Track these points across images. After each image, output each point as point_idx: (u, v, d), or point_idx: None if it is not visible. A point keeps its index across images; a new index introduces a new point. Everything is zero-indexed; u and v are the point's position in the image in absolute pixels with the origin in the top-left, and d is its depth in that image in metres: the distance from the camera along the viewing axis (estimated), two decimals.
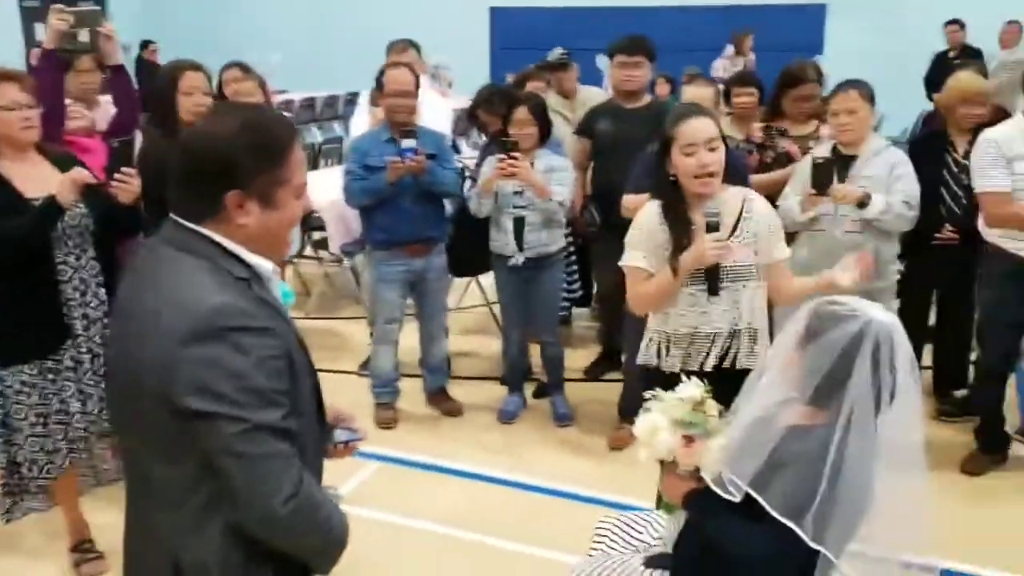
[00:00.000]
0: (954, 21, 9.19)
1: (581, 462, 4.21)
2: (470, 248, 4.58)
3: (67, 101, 3.85)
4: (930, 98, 9.13)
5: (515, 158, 4.01)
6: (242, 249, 1.59)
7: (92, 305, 3.11)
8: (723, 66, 9.46)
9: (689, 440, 2.14)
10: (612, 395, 4.55)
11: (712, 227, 2.76)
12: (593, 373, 5.11)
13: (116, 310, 1.70)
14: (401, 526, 3.56)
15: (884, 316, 2.01)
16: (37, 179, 2.97)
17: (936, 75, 8.74)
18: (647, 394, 2.28)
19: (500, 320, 4.79)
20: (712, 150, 2.77)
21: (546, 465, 4.18)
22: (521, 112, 4.19)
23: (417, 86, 4.29)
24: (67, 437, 3.12)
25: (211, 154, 1.55)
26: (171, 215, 1.62)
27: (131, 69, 5.28)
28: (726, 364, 2.84)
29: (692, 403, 2.16)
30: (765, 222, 2.89)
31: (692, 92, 3.88)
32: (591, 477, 4.03)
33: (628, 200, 3.97)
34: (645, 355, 3.00)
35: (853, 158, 3.86)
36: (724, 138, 2.87)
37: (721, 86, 4.86)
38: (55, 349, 3.04)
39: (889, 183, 3.83)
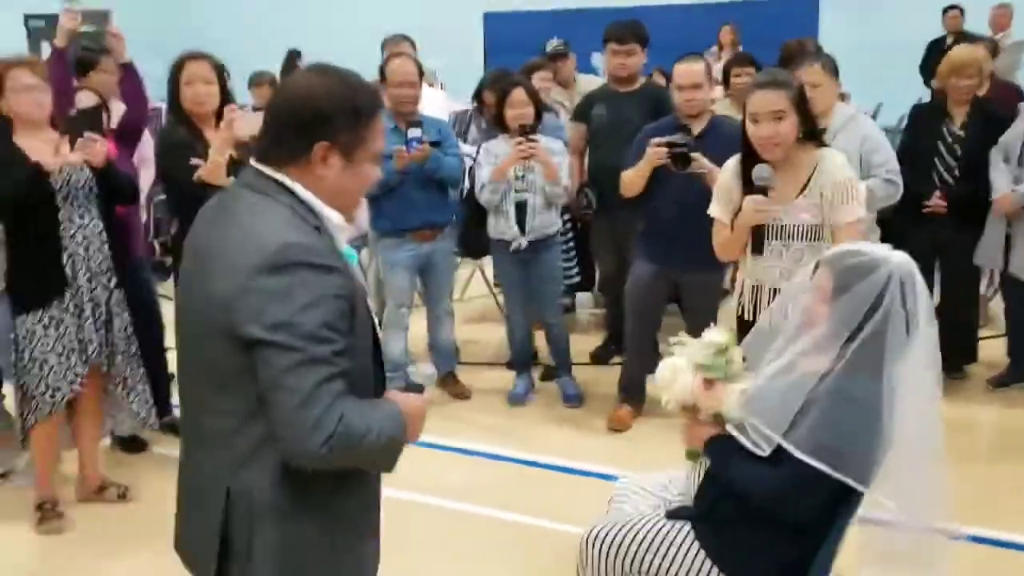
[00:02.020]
0: (953, 7, 9.24)
1: (591, 440, 4.23)
2: (480, 231, 4.61)
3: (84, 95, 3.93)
4: (928, 85, 9.16)
5: (534, 140, 4.05)
6: (315, 199, 1.66)
7: (96, 260, 3.37)
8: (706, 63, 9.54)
9: (709, 383, 2.16)
10: None
11: (759, 190, 2.89)
12: (599, 357, 5.12)
13: (189, 252, 1.74)
14: (412, 503, 3.57)
15: (900, 256, 2.08)
16: (50, 151, 3.24)
17: (931, 61, 8.78)
18: (672, 339, 2.32)
19: (503, 306, 4.82)
20: (778, 119, 2.85)
21: (556, 444, 4.19)
22: (518, 93, 4.22)
23: (420, 76, 4.33)
24: (66, 378, 3.32)
25: (309, 104, 1.63)
26: (252, 163, 1.70)
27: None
28: None
29: (715, 348, 2.19)
30: (831, 183, 2.92)
31: (682, 68, 3.92)
32: (602, 454, 4.04)
33: (625, 175, 4.01)
34: (738, 303, 3.18)
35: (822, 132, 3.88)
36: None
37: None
38: (58, 296, 3.29)
39: (863, 156, 3.88)
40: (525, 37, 12.05)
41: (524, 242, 4.29)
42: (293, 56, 11.51)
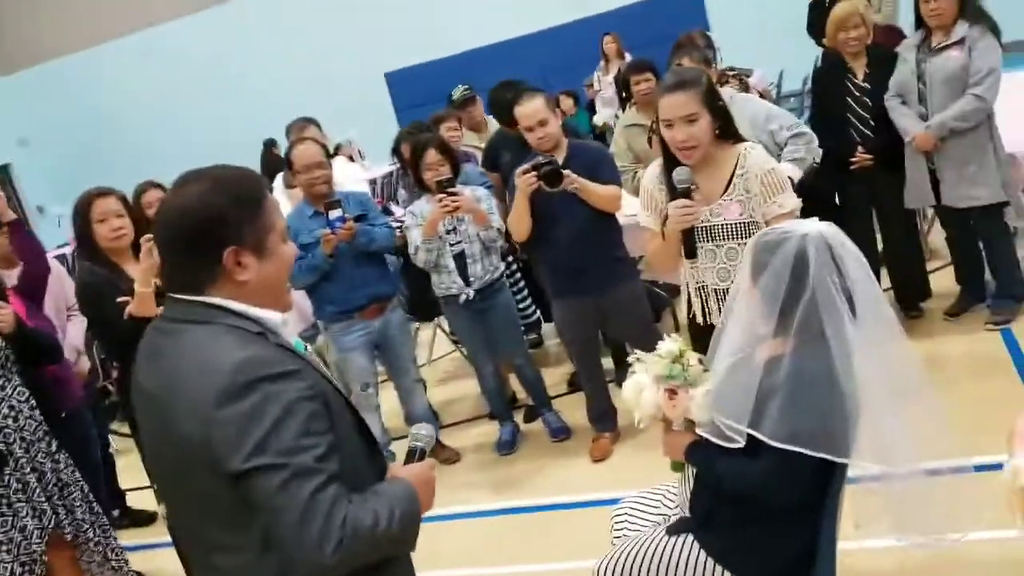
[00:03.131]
0: None
1: (588, 470, 4.20)
2: (426, 291, 4.59)
3: None
4: (819, 44, 9.37)
5: (453, 192, 4.06)
6: (247, 307, 1.61)
7: (28, 428, 3.25)
8: (597, 78, 9.68)
9: (672, 393, 2.17)
10: None
11: (682, 193, 2.84)
12: (577, 383, 5.11)
13: (141, 396, 1.67)
14: None
15: (816, 227, 2.09)
16: None
17: (816, 20, 8.99)
18: (629, 359, 2.33)
19: (469, 359, 4.80)
20: (691, 122, 2.81)
21: (554, 482, 4.17)
22: (431, 155, 4.22)
23: (327, 156, 4.31)
24: (30, 557, 3.20)
25: (195, 218, 1.56)
26: (170, 294, 1.64)
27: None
28: None
29: (671, 357, 2.20)
30: (758, 177, 2.89)
31: (521, 111, 3.93)
32: (601, 481, 4.03)
33: (509, 222, 4.03)
34: (688, 309, 3.13)
35: None
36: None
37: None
38: None
39: (757, 127, 3.91)
40: (430, 88, 12.17)
41: (471, 292, 4.29)
42: (270, 146, 11.39)
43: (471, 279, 4.28)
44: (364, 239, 4.17)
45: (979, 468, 3.00)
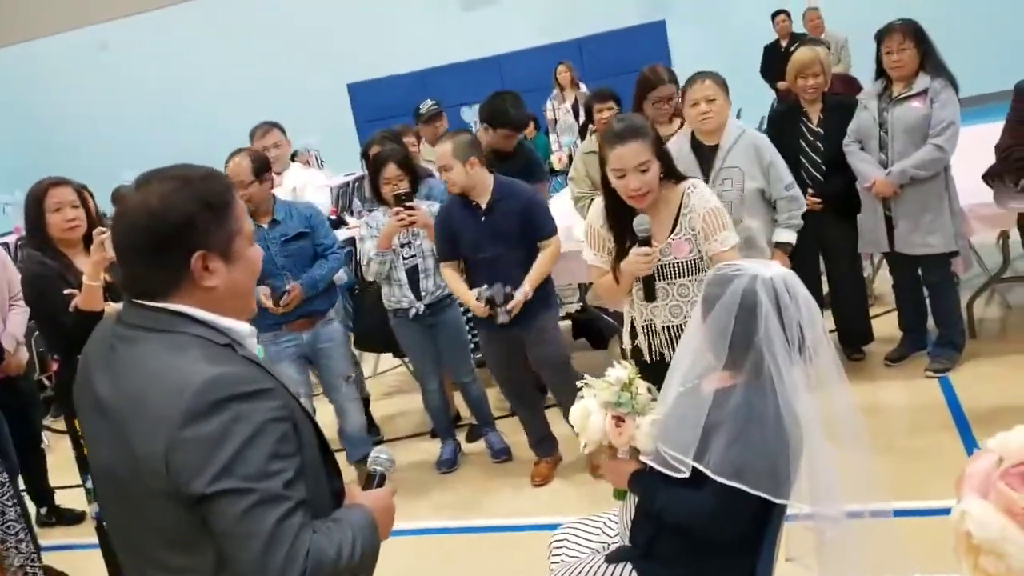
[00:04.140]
0: (782, 11, 9.76)
1: (528, 493, 4.19)
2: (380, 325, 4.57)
3: None
4: (772, 86, 9.59)
5: (411, 207, 4.05)
6: (215, 316, 1.52)
7: None
8: (551, 107, 9.79)
9: (619, 420, 2.19)
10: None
11: (643, 241, 2.88)
12: None
13: (88, 404, 1.56)
14: None
15: (771, 270, 2.12)
16: None
17: (771, 64, 9.19)
18: (579, 383, 2.35)
19: (415, 374, 4.77)
20: (644, 172, 2.85)
21: (493, 503, 4.15)
22: (390, 169, 4.21)
23: (258, 170, 4.09)
24: None
25: (161, 220, 1.47)
26: (129, 298, 1.54)
27: None
28: None
29: (620, 384, 2.22)
30: (701, 216, 2.95)
31: (438, 149, 3.97)
32: (541, 505, 4.02)
33: (447, 278, 4.09)
34: (628, 341, 3.18)
35: (715, 148, 3.93)
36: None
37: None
38: None
39: (761, 168, 3.94)
40: (392, 101, 12.21)
41: (421, 306, 4.27)
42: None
43: (422, 293, 4.27)
44: (312, 291, 4.12)
45: (909, 513, 3.10)
